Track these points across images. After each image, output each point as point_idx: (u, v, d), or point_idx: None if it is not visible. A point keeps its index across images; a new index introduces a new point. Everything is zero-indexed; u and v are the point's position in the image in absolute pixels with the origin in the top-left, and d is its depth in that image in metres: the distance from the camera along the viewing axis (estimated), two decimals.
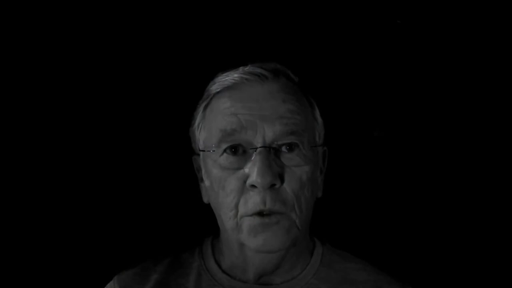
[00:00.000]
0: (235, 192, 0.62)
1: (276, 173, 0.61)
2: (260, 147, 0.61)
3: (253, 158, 0.61)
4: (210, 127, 0.66)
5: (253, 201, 0.61)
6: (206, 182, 0.68)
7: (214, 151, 0.64)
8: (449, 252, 0.95)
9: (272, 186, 0.61)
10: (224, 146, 0.63)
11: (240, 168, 0.62)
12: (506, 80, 0.95)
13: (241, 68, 0.66)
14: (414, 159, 0.97)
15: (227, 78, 0.66)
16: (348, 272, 0.70)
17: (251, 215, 0.61)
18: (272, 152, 0.61)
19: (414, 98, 0.96)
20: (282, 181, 0.62)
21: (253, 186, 0.61)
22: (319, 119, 0.70)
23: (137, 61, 0.94)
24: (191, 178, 0.73)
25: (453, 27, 0.95)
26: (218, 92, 0.66)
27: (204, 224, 0.74)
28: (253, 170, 0.60)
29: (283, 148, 0.63)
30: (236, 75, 0.65)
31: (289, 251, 0.66)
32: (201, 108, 0.69)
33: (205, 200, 0.70)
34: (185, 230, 0.87)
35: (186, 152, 0.74)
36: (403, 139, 0.97)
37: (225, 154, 0.63)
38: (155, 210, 0.93)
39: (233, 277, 0.68)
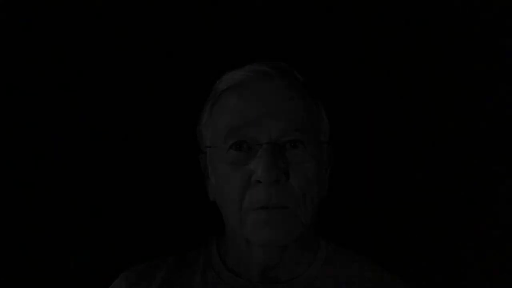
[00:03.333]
0: (240, 188, 0.63)
1: (281, 168, 0.61)
2: (265, 143, 0.62)
3: (258, 154, 0.62)
4: (216, 124, 0.67)
5: (258, 196, 0.62)
6: (212, 179, 0.69)
7: (220, 147, 0.65)
8: (455, 252, 0.94)
9: (277, 181, 0.61)
10: (230, 142, 0.64)
11: (245, 164, 0.63)
12: (504, 78, 0.95)
13: (247, 66, 0.67)
14: (419, 158, 0.96)
15: (233, 76, 0.67)
16: (353, 271, 0.70)
17: (256, 209, 0.62)
18: (277, 148, 0.62)
19: (419, 98, 0.97)
20: (287, 177, 0.62)
21: (258, 181, 0.62)
22: (325, 118, 0.70)
23: (145, 60, 0.95)
24: (197, 177, 0.74)
25: (455, 27, 0.96)
26: (224, 90, 0.68)
27: (209, 222, 0.74)
28: (258, 166, 0.61)
29: (288, 145, 0.63)
30: (242, 73, 0.66)
31: (291, 245, 0.66)
32: (208, 107, 0.70)
33: (211, 197, 0.71)
34: (191, 229, 0.88)
35: (192, 151, 0.74)
36: (409, 138, 0.97)
37: (231, 150, 0.64)
38: (161, 208, 0.94)
39: (238, 274, 0.69)
